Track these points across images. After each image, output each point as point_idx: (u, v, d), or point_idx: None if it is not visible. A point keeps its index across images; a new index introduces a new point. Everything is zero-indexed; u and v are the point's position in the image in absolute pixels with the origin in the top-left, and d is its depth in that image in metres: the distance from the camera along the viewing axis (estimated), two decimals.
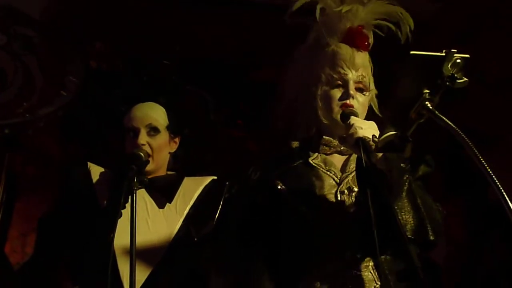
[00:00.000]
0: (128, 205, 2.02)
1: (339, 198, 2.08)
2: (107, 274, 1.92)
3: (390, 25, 2.21)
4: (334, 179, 2.13)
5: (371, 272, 2.00)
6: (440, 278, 3.81)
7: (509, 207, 1.29)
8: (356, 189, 2.08)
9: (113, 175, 2.26)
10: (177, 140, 2.48)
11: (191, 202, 2.38)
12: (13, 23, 3.58)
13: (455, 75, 1.51)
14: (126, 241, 1.93)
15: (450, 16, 3.66)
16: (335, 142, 2.19)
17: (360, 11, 2.19)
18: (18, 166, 3.55)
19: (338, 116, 2.11)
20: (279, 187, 2.12)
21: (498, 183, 1.32)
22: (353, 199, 2.06)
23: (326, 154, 2.20)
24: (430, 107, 1.54)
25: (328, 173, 2.15)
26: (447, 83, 1.52)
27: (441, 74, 1.51)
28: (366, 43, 2.20)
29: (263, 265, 2.11)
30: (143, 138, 2.32)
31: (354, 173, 2.12)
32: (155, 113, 2.41)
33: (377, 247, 1.68)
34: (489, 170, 1.36)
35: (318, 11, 2.20)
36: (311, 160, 2.19)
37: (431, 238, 1.94)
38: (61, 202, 2.39)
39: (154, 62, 3.77)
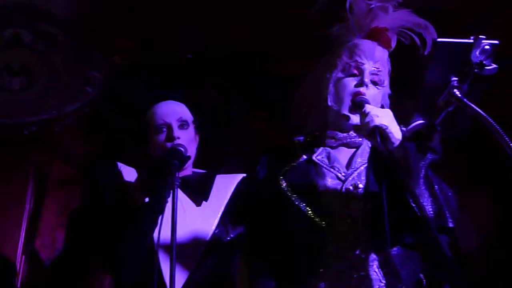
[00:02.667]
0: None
1: (343, 196, 2.07)
2: (151, 273, 1.93)
3: (414, 36, 2.19)
4: (338, 176, 2.11)
5: (375, 271, 1.99)
6: (466, 267, 3.79)
7: None
8: (361, 186, 2.06)
9: (153, 170, 2.24)
10: (197, 137, 2.47)
11: (226, 200, 2.37)
12: (38, 21, 3.62)
13: (484, 62, 1.50)
14: (167, 239, 1.92)
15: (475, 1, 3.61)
16: (341, 135, 2.17)
17: (390, 10, 2.17)
18: (46, 163, 3.59)
19: (349, 105, 2.09)
20: (283, 186, 2.12)
21: None
22: (359, 196, 2.05)
23: (332, 148, 2.18)
24: (459, 95, 1.53)
25: (332, 169, 2.12)
26: (475, 70, 1.50)
27: (469, 61, 1.50)
28: (388, 42, 2.18)
29: (267, 266, 2.12)
30: (177, 131, 2.32)
31: (359, 169, 2.10)
32: (181, 108, 2.40)
33: (388, 239, 1.67)
34: None
35: (348, 4, 2.19)
36: (315, 156, 2.17)
37: (450, 225, 1.92)
38: (93, 198, 2.37)
39: (177, 56, 3.79)
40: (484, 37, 1.49)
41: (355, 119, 2.00)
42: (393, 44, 2.20)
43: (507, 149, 1.38)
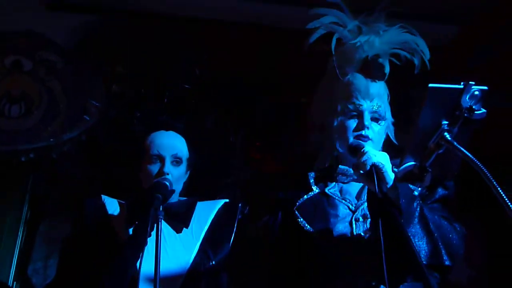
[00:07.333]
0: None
1: (353, 226, 2.10)
2: None
3: (406, 54, 2.24)
4: (349, 207, 2.15)
5: None
6: None
7: None
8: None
9: (137, 203, 2.27)
10: (188, 173, 2.50)
11: (206, 226, 2.40)
12: (38, 48, 3.66)
13: (473, 107, 1.54)
14: (150, 269, 1.95)
15: (468, 38, 3.67)
16: (352, 171, 2.20)
17: (376, 41, 2.22)
18: (42, 189, 3.60)
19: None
20: (298, 218, 2.15)
21: None
22: (368, 225, 2.08)
23: (343, 183, 2.23)
24: (449, 138, 1.57)
25: (344, 201, 2.17)
26: (465, 115, 1.55)
27: (460, 105, 1.54)
28: (381, 73, 2.22)
29: None
30: (168, 167, 2.35)
31: None
32: (180, 144, 2.44)
33: (386, 275, 1.69)
34: (506, 199, 1.39)
35: (334, 43, 2.25)
36: (328, 189, 2.22)
37: (446, 263, 1.95)
38: (77, 233, 2.41)
39: (175, 86, 3.82)
40: (473, 83, 1.53)
41: None
42: (387, 70, 2.24)
43: (494, 191, 1.42)
